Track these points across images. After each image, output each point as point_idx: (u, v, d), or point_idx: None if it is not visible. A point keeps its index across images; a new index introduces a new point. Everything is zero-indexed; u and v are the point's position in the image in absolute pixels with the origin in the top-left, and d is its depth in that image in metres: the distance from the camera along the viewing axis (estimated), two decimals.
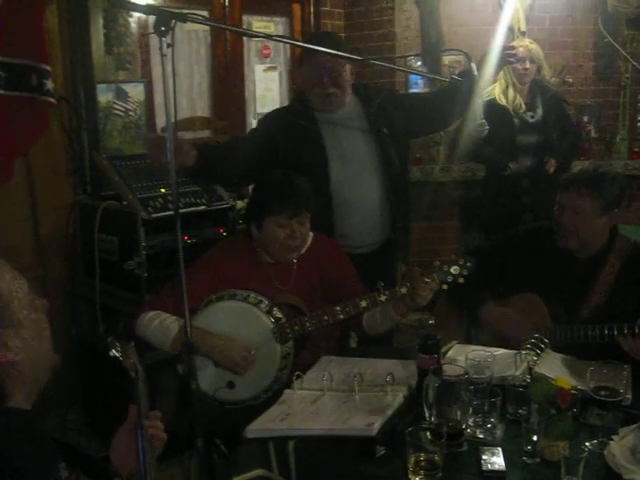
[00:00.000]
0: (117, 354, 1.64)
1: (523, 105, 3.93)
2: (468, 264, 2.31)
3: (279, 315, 2.33)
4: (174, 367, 2.35)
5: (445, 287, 2.31)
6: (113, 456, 1.57)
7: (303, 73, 2.95)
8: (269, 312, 2.33)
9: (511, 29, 4.76)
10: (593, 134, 5.09)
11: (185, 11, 2.13)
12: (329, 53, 2.52)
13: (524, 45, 3.92)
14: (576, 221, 2.39)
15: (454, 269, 2.29)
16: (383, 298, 2.31)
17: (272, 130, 2.90)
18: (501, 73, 3.85)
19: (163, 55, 1.89)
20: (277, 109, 3.17)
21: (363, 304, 2.32)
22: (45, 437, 1.34)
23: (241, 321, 2.32)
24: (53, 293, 3.53)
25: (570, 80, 4.99)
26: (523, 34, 4.75)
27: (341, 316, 2.32)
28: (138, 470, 1.49)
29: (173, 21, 1.88)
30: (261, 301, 2.34)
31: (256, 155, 2.84)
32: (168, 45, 1.89)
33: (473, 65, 2.58)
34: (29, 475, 1.23)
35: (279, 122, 2.92)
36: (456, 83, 2.56)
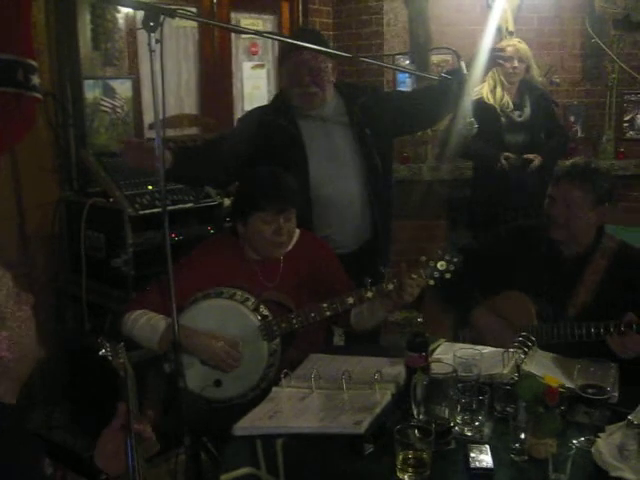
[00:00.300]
0: (107, 354, 1.64)
1: (511, 104, 3.94)
2: (455, 259, 2.29)
3: (266, 313, 2.32)
4: (160, 366, 2.34)
5: (432, 283, 2.30)
6: (98, 457, 1.55)
7: (283, 71, 2.91)
8: (256, 310, 2.32)
9: (499, 29, 4.77)
10: (579, 134, 5.12)
11: (174, 7, 2.12)
12: (317, 50, 2.51)
13: (512, 44, 3.94)
14: (567, 213, 2.40)
15: (440, 264, 2.28)
16: (370, 294, 2.30)
17: (251, 130, 2.86)
18: (490, 72, 3.86)
19: (152, 51, 1.88)
20: (256, 108, 3.12)
21: (350, 300, 2.31)
22: (29, 432, 1.33)
23: (228, 319, 2.31)
24: (39, 290, 3.50)
25: (557, 80, 5.01)
26: (511, 34, 4.76)
27: (328, 313, 2.31)
28: (126, 471, 1.48)
29: (162, 16, 1.86)
30: (247, 299, 2.33)
31: (236, 155, 2.80)
32: (157, 41, 1.88)
33: (462, 63, 2.58)
34: (11, 470, 1.22)
35: (258, 121, 2.88)
36: (446, 81, 2.55)
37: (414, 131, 3.69)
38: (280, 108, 2.89)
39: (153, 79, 1.90)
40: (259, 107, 3.09)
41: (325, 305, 2.31)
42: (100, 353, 1.63)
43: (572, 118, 5.09)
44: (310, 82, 2.77)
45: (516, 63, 3.88)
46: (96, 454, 1.58)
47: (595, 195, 2.39)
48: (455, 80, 2.64)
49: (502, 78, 3.92)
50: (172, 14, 1.92)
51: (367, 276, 2.83)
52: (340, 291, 2.37)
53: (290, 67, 2.82)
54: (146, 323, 2.29)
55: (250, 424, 1.88)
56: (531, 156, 3.87)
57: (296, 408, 1.93)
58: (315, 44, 2.47)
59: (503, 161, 3.87)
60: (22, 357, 1.34)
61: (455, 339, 2.52)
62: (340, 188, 2.84)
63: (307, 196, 2.77)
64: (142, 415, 1.57)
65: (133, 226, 3.11)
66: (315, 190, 2.80)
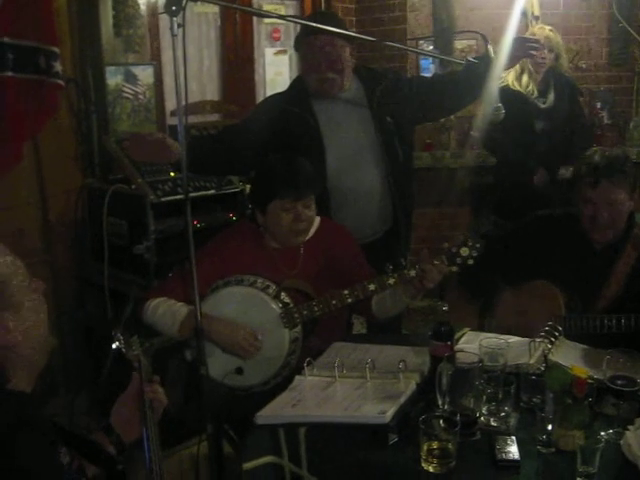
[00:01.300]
0: (120, 346, 1.65)
1: (536, 91, 3.90)
2: (477, 245, 2.24)
3: (287, 300, 2.31)
4: (182, 353, 2.34)
5: (454, 269, 2.26)
6: (115, 423, 1.63)
7: (300, 57, 2.85)
8: (277, 297, 2.30)
9: (524, 13, 4.70)
10: (606, 120, 5.03)
11: None
12: (340, 34, 2.45)
13: (545, 34, 3.88)
14: (613, 213, 2.35)
15: (463, 250, 2.24)
16: (391, 281, 2.26)
17: (267, 117, 2.78)
18: None
19: (174, 35, 1.86)
20: (272, 95, 3.04)
21: (371, 287, 2.28)
22: (45, 421, 1.33)
23: (249, 306, 2.30)
24: (61, 277, 3.52)
25: (584, 65, 4.94)
26: (537, 18, 4.69)
27: (349, 300, 2.28)
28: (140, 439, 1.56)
29: (184, 0, 1.85)
30: (268, 286, 2.32)
31: (251, 143, 2.74)
32: (179, 25, 1.86)
33: (490, 47, 2.52)
34: (25, 458, 1.21)
35: (274, 109, 2.80)
36: (471, 66, 2.50)
37: (437, 118, 3.61)
38: (297, 94, 2.81)
39: (175, 64, 1.88)
40: (276, 94, 3.01)
41: (346, 292, 2.28)
42: (114, 346, 1.64)
43: (598, 104, 5.00)
44: (327, 68, 2.68)
45: (546, 52, 3.83)
46: (113, 420, 1.65)
47: (630, 185, 2.36)
48: (482, 64, 2.58)
49: (530, 66, 3.86)
50: None
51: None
52: (361, 278, 2.33)
53: (306, 53, 2.74)
54: (167, 310, 2.29)
55: (272, 413, 1.87)
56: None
57: (319, 397, 1.92)
58: (334, 28, 2.43)
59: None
60: (36, 345, 1.34)
61: (480, 328, 2.49)
62: (359, 178, 2.77)
63: (324, 186, 2.68)
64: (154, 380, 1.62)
65: (155, 213, 3.11)
66: (333, 180, 2.73)
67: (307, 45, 2.72)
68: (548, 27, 4.07)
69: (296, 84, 2.91)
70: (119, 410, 1.66)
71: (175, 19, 1.85)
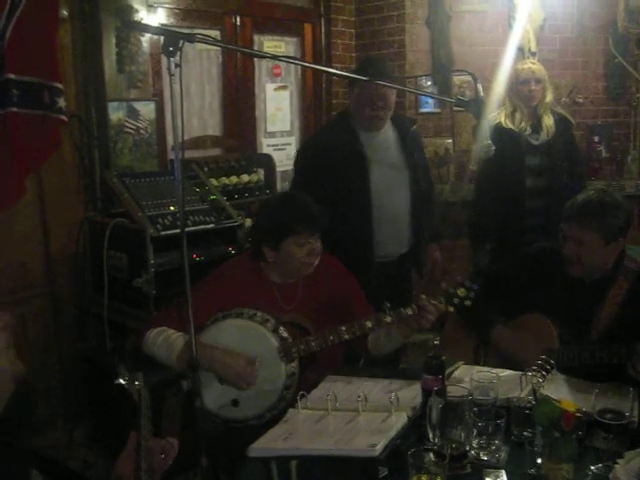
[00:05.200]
0: (123, 382, 1.66)
1: (529, 128, 3.87)
2: (474, 287, 2.30)
3: (285, 334, 2.33)
4: (179, 384, 2.35)
5: (452, 309, 2.31)
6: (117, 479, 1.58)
7: (355, 93, 3.24)
8: (275, 331, 2.32)
9: (521, 49, 4.77)
10: (604, 154, 5.07)
11: (195, 31, 2.15)
12: (338, 74, 2.53)
13: (527, 67, 3.87)
14: (579, 251, 2.39)
15: (460, 291, 2.29)
16: (388, 319, 2.30)
17: (317, 152, 3.23)
18: (506, 97, 3.85)
19: (171, 75, 1.91)
20: (317, 131, 3.53)
21: (368, 324, 2.32)
22: (15, 444, 1.34)
23: (247, 339, 2.32)
24: (62, 309, 3.55)
25: (581, 100, 4.99)
26: (533, 54, 4.76)
27: (346, 336, 2.32)
28: None
29: (181, 41, 1.90)
30: (267, 320, 2.34)
31: (320, 182, 3.09)
32: (176, 65, 1.91)
33: (479, 86, 2.57)
34: None
35: (322, 140, 3.30)
36: (462, 104, 2.54)
37: None
38: (342, 126, 3.28)
39: (172, 103, 1.94)
40: (319, 130, 3.54)
41: (344, 328, 2.31)
42: (116, 382, 1.65)
43: (596, 138, 5.05)
44: (382, 106, 3.15)
45: (533, 85, 3.82)
46: (113, 477, 1.60)
47: (607, 233, 2.37)
48: (472, 103, 2.62)
49: (520, 102, 3.85)
50: (191, 39, 1.95)
51: (407, 284, 3.21)
52: (359, 315, 2.37)
53: (363, 90, 3.15)
54: (164, 340, 2.30)
55: (265, 445, 1.88)
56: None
57: (311, 430, 1.93)
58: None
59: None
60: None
61: (475, 362, 2.50)
62: (396, 199, 3.25)
63: (368, 204, 3.17)
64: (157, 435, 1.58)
65: (155, 246, 3.14)
66: (374, 199, 3.17)
67: (366, 85, 3.12)
68: (530, 60, 4.11)
69: (340, 117, 3.45)
70: (119, 469, 1.59)
71: (172, 59, 1.90)
